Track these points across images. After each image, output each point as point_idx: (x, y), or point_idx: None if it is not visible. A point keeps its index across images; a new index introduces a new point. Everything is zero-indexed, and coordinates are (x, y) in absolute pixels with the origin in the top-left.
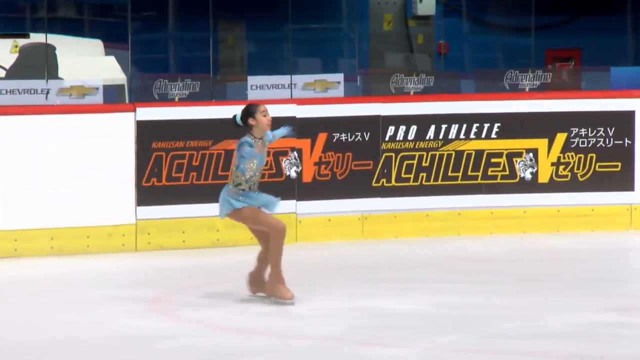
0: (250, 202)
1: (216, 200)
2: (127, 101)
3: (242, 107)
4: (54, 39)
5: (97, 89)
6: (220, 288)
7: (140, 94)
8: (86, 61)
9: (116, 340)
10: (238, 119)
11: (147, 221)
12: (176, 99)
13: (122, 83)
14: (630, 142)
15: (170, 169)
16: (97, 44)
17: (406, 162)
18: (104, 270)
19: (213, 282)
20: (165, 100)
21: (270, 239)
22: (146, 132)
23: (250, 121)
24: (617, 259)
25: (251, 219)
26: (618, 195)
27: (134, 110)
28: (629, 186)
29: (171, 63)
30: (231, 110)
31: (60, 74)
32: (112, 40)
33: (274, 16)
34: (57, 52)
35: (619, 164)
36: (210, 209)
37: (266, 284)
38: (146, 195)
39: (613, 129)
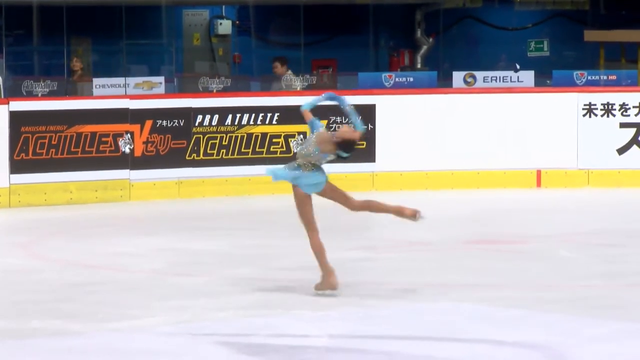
0: None
1: (70, 169)
2: (2, 96)
3: None
4: None
5: None
6: (73, 235)
7: (12, 91)
8: None
9: None
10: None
11: (18, 185)
12: (39, 95)
13: None
14: (372, 127)
15: (35, 147)
16: None
17: (210, 142)
18: None
19: (68, 231)
20: (31, 95)
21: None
22: (17, 119)
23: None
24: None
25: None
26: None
27: (8, 104)
28: (372, 158)
29: (35, 68)
30: (81, 104)
31: None
32: None
33: (112, 34)
34: None
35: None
36: (66, 176)
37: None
38: (17, 166)
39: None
